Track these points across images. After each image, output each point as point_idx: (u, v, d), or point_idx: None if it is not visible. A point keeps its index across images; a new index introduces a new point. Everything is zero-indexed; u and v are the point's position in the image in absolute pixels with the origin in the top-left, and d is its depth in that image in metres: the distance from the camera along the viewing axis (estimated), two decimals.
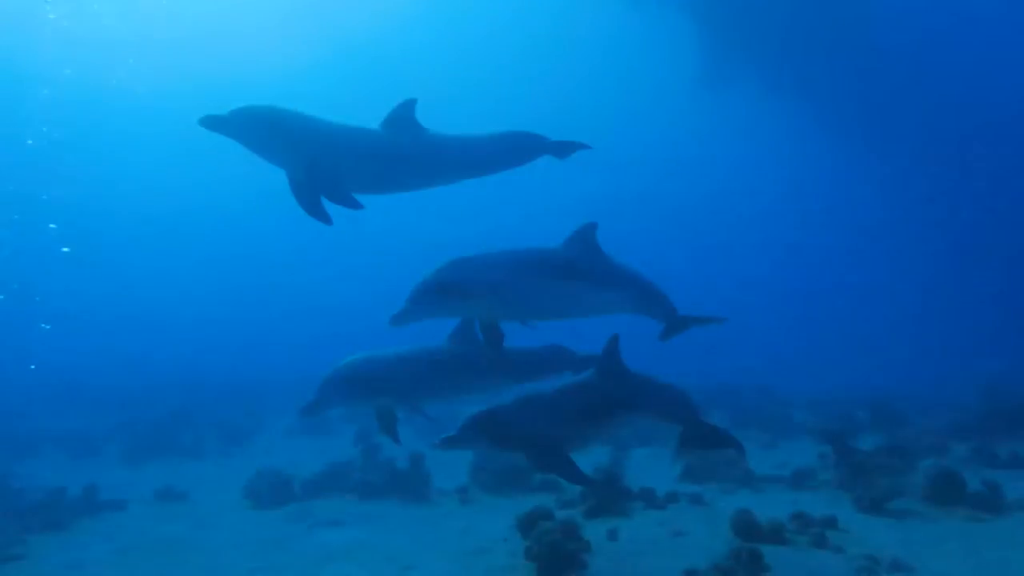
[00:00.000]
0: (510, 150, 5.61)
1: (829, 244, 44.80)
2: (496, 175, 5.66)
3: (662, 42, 28.69)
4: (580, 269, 4.92)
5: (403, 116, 5.13)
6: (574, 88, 32.62)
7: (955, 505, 6.69)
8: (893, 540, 5.80)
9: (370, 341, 5.99)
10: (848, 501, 6.98)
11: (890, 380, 18.06)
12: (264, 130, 4.70)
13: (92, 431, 13.99)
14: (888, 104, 29.97)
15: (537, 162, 5.84)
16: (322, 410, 5.40)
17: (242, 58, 31.45)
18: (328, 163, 4.79)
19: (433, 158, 5.29)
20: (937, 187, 34.30)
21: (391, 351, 5.56)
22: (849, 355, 28.95)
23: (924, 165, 33.12)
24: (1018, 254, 35.08)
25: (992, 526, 6.32)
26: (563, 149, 5.76)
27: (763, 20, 25.70)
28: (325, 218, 4.87)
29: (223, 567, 6.34)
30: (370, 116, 5.36)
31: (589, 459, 8.65)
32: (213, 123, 4.61)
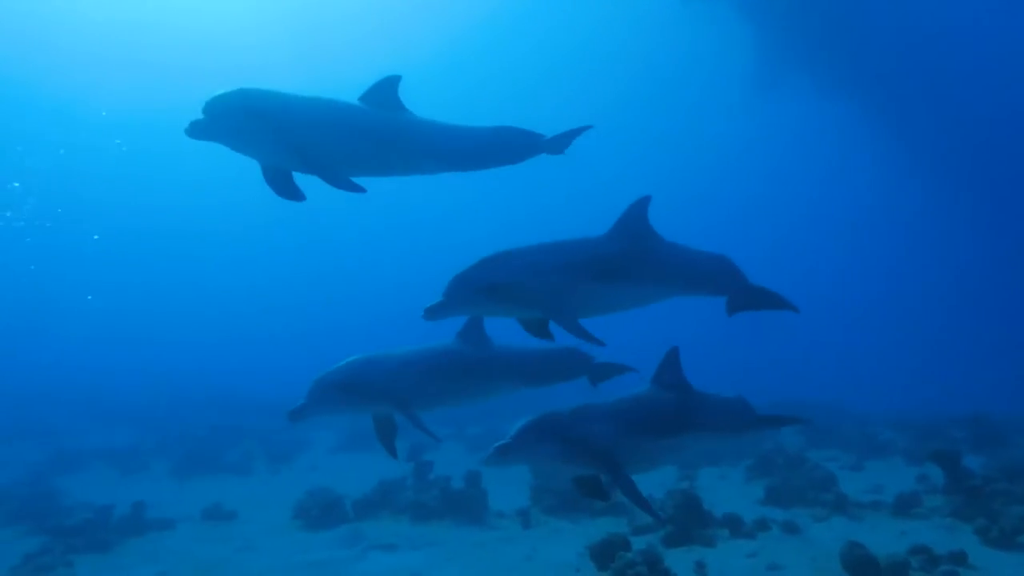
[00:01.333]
0: (499, 145, 5.11)
1: (884, 250, 42.98)
2: (490, 172, 5.16)
3: (715, 44, 28.04)
4: (634, 265, 4.34)
5: (385, 94, 4.70)
6: (627, 91, 32.09)
7: None
8: None
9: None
10: (969, 532, 6.16)
11: (971, 395, 16.79)
12: (240, 118, 4.18)
13: (140, 446, 13.93)
14: (946, 106, 28.63)
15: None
16: (309, 416, 4.74)
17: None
18: (318, 144, 4.36)
19: (414, 141, 4.80)
20: (1003, 189, 32.55)
21: (391, 352, 5.02)
22: (916, 368, 27.39)
23: (988, 166, 31.48)
24: None
25: None
26: (560, 143, 5.24)
27: (819, 20, 24.84)
28: (297, 195, 4.53)
29: None
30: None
31: (656, 480, 8.05)
32: (196, 129, 4.19)
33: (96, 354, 34.03)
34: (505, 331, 5.31)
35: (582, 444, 3.93)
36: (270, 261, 47.07)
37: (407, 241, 44.55)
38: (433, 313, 3.91)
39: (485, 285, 3.92)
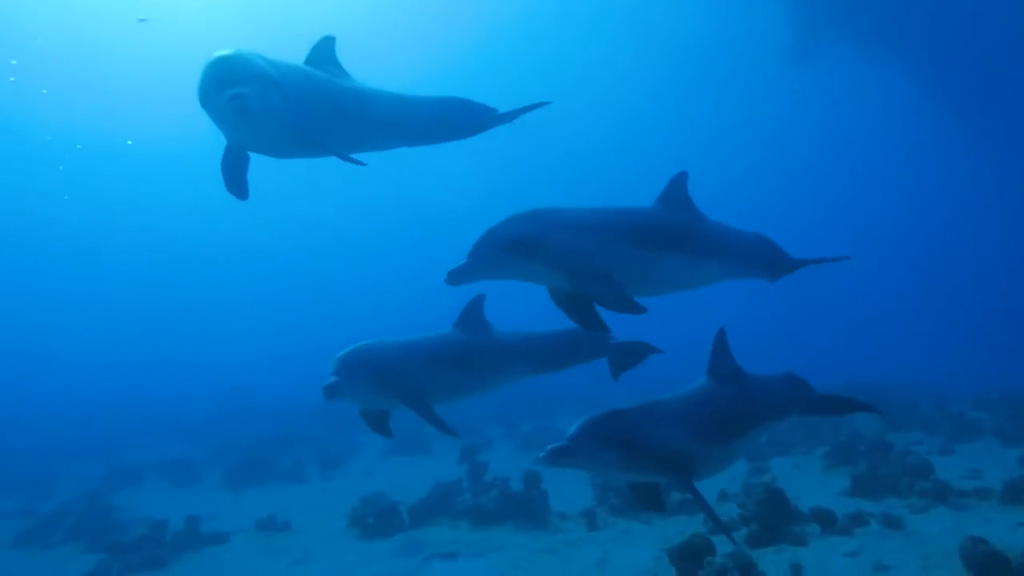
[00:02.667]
0: (451, 117, 4.77)
1: (937, 223, 41.02)
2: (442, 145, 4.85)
3: (747, 17, 26.95)
4: (679, 236, 3.89)
5: (323, 56, 4.38)
6: (657, 68, 31.22)
7: None
8: None
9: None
10: None
11: None
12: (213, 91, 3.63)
13: (193, 458, 13.93)
14: (1007, 66, 26.91)
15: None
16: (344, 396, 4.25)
17: None
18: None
19: (371, 110, 4.45)
20: None
21: (397, 340, 4.61)
22: (982, 342, 25.95)
23: None
24: None
25: None
26: (509, 117, 4.89)
27: None
28: (242, 192, 4.23)
29: None
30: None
31: (727, 473, 7.51)
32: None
33: (150, 370, 34.86)
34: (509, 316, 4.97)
35: (649, 450, 3.45)
36: (308, 271, 47.68)
37: (420, 232, 44.20)
38: (457, 276, 3.39)
39: (512, 240, 3.39)
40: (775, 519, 5.93)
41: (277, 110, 3.77)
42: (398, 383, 4.32)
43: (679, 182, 4.01)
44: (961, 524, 5.88)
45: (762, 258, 4.28)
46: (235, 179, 4.21)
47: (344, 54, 4.75)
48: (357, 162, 4.12)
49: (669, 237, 3.80)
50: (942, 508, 6.50)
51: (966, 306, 35.89)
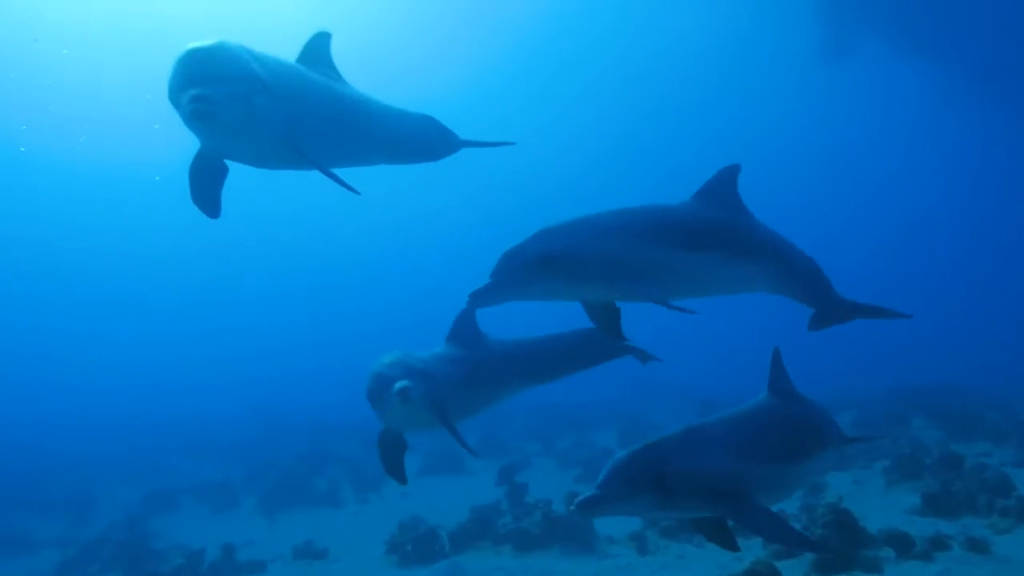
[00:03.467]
0: (426, 134, 4.53)
1: (974, 221, 39.59)
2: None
3: (778, 16, 26.44)
4: (726, 234, 3.54)
5: (317, 54, 4.05)
6: (686, 68, 30.78)
7: None
8: None
9: None
10: None
11: None
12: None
13: (229, 480, 13.84)
14: None
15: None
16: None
17: None
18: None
19: (355, 117, 4.08)
20: None
21: (419, 353, 4.44)
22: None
23: None
24: None
25: None
26: (471, 145, 4.70)
27: None
28: (213, 208, 3.65)
29: None
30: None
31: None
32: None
33: (185, 390, 35.28)
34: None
35: (687, 485, 3.07)
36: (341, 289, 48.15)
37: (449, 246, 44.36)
38: (481, 298, 3.08)
39: (539, 257, 3.06)
40: (845, 543, 5.50)
41: (263, 115, 3.28)
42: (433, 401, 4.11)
43: (728, 176, 3.63)
44: None
45: (805, 276, 3.88)
46: (205, 192, 3.59)
47: (360, 63, 4.56)
48: (349, 187, 3.62)
49: (708, 237, 3.46)
50: None
51: (1008, 305, 34.47)
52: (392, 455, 4.44)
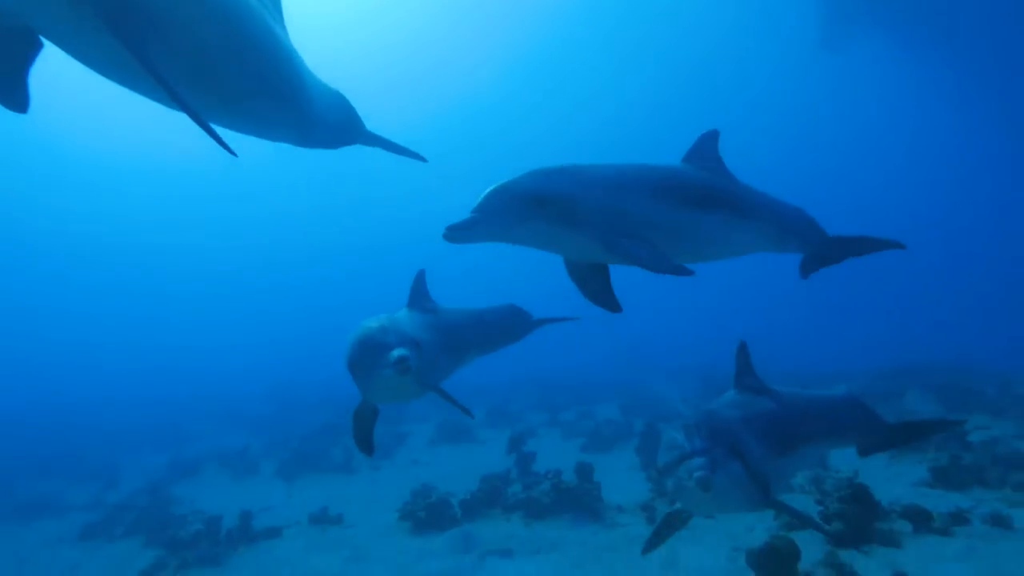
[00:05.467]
0: (334, 112, 3.76)
1: (969, 210, 38.79)
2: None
3: (777, 4, 25.57)
4: (722, 193, 3.18)
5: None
6: (686, 57, 30.01)
7: None
8: None
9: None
10: None
11: None
12: None
13: (250, 449, 13.53)
14: None
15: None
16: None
17: None
18: None
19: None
20: None
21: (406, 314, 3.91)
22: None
23: None
24: None
25: None
26: (376, 141, 4.13)
27: None
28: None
29: None
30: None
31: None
32: None
33: (211, 363, 35.23)
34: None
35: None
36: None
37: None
38: (459, 232, 2.57)
39: (534, 194, 2.61)
40: (862, 518, 5.08)
41: None
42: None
43: (710, 139, 3.31)
44: None
45: (800, 227, 3.56)
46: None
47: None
48: (223, 143, 2.53)
49: (710, 195, 3.09)
50: None
51: (1002, 288, 33.78)
52: (366, 427, 3.98)
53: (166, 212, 45.24)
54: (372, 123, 4.14)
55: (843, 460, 7.91)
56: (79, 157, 39.18)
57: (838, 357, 15.59)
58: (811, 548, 4.90)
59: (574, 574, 5.44)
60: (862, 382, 13.18)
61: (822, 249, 3.64)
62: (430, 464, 11.02)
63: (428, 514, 7.25)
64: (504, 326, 4.44)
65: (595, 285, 2.96)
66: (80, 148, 38.10)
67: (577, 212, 2.64)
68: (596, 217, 2.68)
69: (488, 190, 2.64)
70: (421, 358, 3.39)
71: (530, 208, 2.60)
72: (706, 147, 3.29)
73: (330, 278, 48.91)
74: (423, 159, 4.31)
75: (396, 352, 3.24)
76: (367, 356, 3.35)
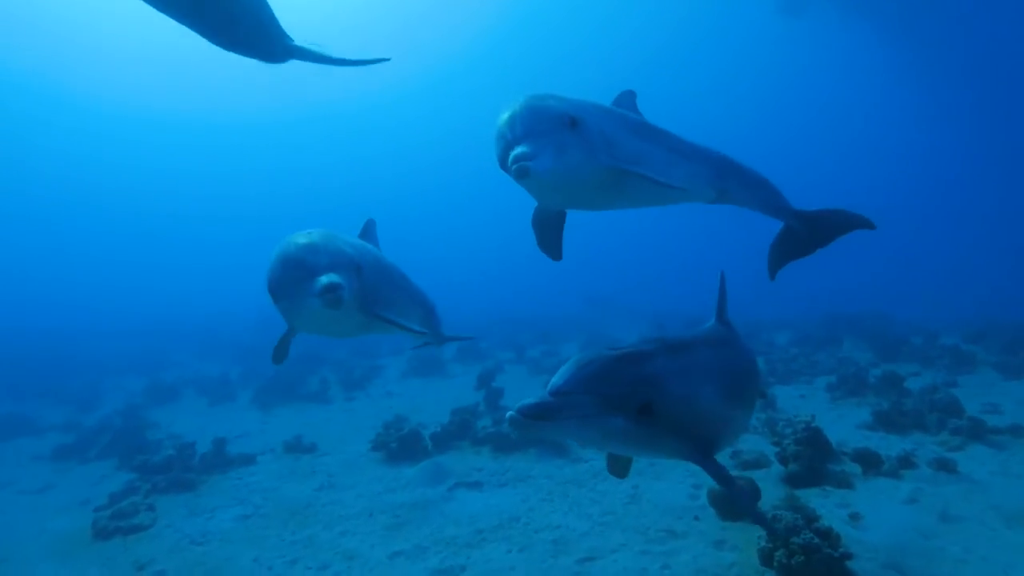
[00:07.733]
0: (256, 20, 3.38)
1: (920, 174, 39.21)
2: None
3: None
4: (660, 133, 2.91)
5: None
6: (641, 22, 28.80)
7: None
8: None
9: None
10: None
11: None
12: None
13: (228, 376, 12.97)
14: (979, 31, 24.55)
15: None
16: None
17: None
18: None
19: None
20: None
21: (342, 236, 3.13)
22: (950, 277, 24.92)
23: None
24: None
25: None
26: (311, 56, 3.65)
27: None
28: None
29: (360, 548, 4.63)
30: None
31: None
32: None
33: (193, 296, 34.01)
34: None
35: (679, 416, 2.12)
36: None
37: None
38: (534, 161, 2.17)
39: (569, 115, 2.32)
40: (816, 459, 4.90)
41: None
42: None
43: (628, 96, 3.01)
44: (1008, 466, 4.87)
45: (738, 175, 3.22)
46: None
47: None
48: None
49: (654, 131, 2.84)
50: (979, 447, 5.48)
51: (943, 250, 34.52)
52: (283, 351, 3.41)
53: (165, 161, 44.01)
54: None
55: (790, 403, 7.85)
56: (83, 106, 37.07)
57: (780, 306, 15.65)
58: (767, 485, 4.71)
59: (542, 507, 5.18)
60: (802, 329, 13.24)
61: (796, 233, 3.34)
62: (403, 396, 10.67)
63: (400, 445, 6.91)
64: (419, 308, 3.86)
65: (552, 233, 2.81)
66: (92, 98, 36.04)
67: (592, 135, 2.37)
68: (599, 140, 2.42)
69: (520, 111, 2.26)
70: (362, 282, 2.68)
71: (568, 129, 2.28)
72: (625, 101, 3.00)
73: (330, 212, 47.63)
74: (387, 59, 3.74)
75: (325, 278, 2.48)
76: (285, 277, 2.57)
